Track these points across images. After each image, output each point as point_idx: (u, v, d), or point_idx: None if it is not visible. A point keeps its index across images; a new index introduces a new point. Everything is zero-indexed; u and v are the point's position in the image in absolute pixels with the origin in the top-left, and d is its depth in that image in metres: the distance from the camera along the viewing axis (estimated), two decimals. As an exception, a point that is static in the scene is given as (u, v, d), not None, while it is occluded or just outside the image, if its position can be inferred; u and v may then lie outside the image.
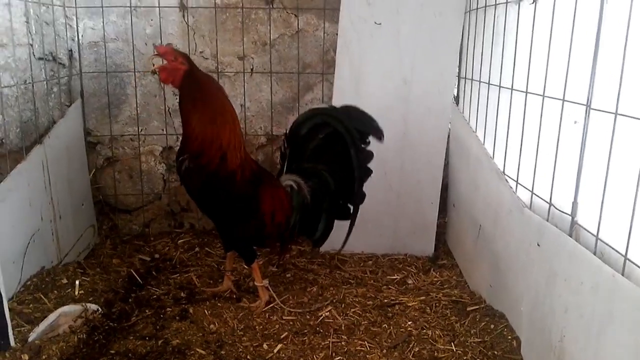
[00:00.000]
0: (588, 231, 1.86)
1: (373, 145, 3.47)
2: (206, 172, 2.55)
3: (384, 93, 3.34)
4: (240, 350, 2.42)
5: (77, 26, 3.50)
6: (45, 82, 3.14)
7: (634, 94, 1.62)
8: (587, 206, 1.90)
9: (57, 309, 2.52)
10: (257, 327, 2.62)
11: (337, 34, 3.36)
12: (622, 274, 1.58)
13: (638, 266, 1.55)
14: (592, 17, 1.83)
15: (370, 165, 3.45)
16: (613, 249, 1.70)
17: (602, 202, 1.74)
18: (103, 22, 3.52)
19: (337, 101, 3.37)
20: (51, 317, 2.45)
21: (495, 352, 2.35)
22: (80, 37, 3.53)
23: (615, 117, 1.67)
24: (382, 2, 3.24)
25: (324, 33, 3.61)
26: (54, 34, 3.26)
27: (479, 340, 2.47)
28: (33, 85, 2.97)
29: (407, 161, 3.41)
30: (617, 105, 1.66)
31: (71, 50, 3.51)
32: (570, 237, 1.92)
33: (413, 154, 3.40)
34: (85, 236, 3.44)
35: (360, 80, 3.34)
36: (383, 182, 3.43)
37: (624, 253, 1.61)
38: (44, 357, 2.25)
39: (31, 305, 2.60)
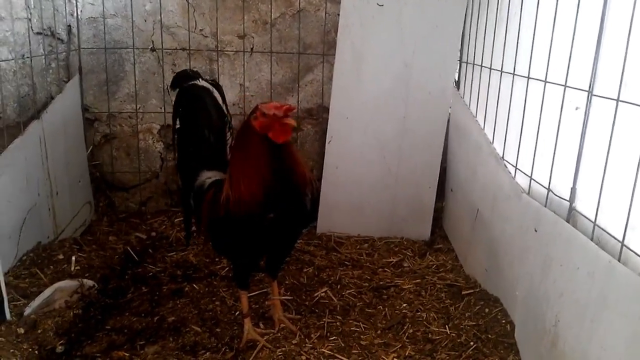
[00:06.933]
0: (586, 217, 1.86)
1: (372, 130, 3.46)
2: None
3: (385, 76, 3.32)
4: (236, 328, 2.43)
5: (76, 1, 3.45)
6: (43, 57, 3.11)
7: (637, 81, 1.61)
8: (585, 192, 1.91)
9: (53, 284, 2.53)
10: (253, 306, 2.63)
11: (338, 15, 3.32)
12: (619, 260, 1.58)
13: (635, 252, 1.56)
14: (597, 1, 1.82)
15: (369, 148, 3.43)
16: (610, 235, 1.70)
17: (601, 189, 1.74)
18: (102, -3, 3.48)
19: (337, 83, 3.35)
20: (47, 292, 2.46)
21: (489, 336, 2.37)
22: (79, 12, 3.48)
23: (617, 103, 1.66)
24: (385, -17, 3.20)
25: (325, 13, 3.57)
26: (52, 9, 3.21)
27: (473, 323, 2.48)
28: (31, 60, 2.94)
29: (406, 145, 3.40)
30: (619, 91, 1.65)
31: (70, 26, 3.47)
32: (568, 222, 1.92)
33: (412, 138, 3.39)
34: (81, 213, 3.44)
35: (361, 62, 3.31)
36: (381, 165, 3.42)
37: (621, 239, 1.61)
38: (39, 331, 2.26)
39: (27, 279, 2.61)
